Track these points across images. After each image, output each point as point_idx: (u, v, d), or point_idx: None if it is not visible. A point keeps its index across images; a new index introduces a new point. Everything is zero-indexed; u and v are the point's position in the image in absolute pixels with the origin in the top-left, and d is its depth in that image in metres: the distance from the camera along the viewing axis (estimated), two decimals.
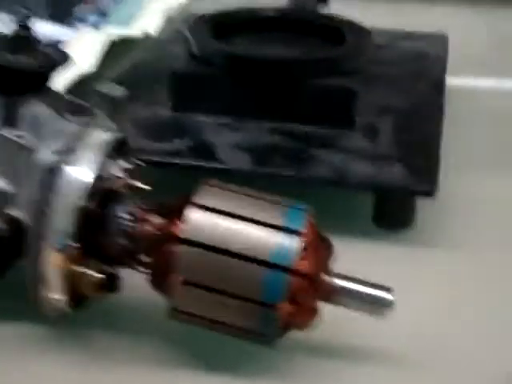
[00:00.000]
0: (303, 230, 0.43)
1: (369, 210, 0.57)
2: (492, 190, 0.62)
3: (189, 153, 0.57)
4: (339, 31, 0.65)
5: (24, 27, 0.48)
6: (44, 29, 0.74)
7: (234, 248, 0.42)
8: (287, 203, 0.44)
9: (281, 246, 0.42)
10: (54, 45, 0.51)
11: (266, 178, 0.54)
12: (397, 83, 0.67)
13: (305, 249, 0.43)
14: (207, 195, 0.44)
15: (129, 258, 0.45)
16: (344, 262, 0.44)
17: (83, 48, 0.71)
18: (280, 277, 0.42)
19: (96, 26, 0.82)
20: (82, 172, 0.43)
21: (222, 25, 0.65)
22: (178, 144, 0.58)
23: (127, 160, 0.46)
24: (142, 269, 0.45)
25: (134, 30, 0.78)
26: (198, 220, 0.43)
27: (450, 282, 0.53)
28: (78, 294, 0.45)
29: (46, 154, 0.43)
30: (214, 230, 0.43)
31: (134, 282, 0.46)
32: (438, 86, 0.67)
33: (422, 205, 0.56)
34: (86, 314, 0.47)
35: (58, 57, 0.49)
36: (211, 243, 0.42)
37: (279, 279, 0.42)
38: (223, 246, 0.42)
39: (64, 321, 0.46)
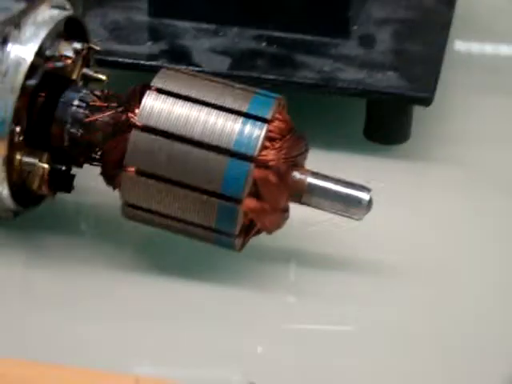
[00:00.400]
0: (269, 117, 0.42)
1: (361, 122, 0.56)
2: (495, 109, 0.62)
3: (162, 55, 0.56)
4: None
5: None
6: None
7: (192, 135, 0.41)
8: (255, 90, 0.43)
9: (243, 133, 0.41)
10: None
11: (244, 82, 0.51)
12: None
13: (271, 138, 0.42)
14: (166, 79, 0.43)
15: (81, 150, 0.44)
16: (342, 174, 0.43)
17: None
18: (242, 166, 0.41)
19: None
20: (24, 49, 0.42)
21: None
22: (151, 47, 0.58)
23: (81, 42, 0.45)
24: (95, 163, 0.44)
25: None
26: (154, 104, 0.42)
27: (442, 201, 0.52)
28: (25, 190, 0.44)
29: None
30: (170, 114, 0.42)
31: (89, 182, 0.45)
32: (445, 1, 0.65)
33: (419, 118, 0.55)
34: (34, 214, 0.46)
35: None
36: (167, 129, 0.42)
37: (241, 169, 0.41)
38: (181, 133, 0.41)
39: (14, 223, 0.46)
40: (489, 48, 0.72)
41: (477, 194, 0.52)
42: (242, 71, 0.55)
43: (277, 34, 0.59)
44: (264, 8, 0.59)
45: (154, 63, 0.55)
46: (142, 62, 0.56)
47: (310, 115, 0.56)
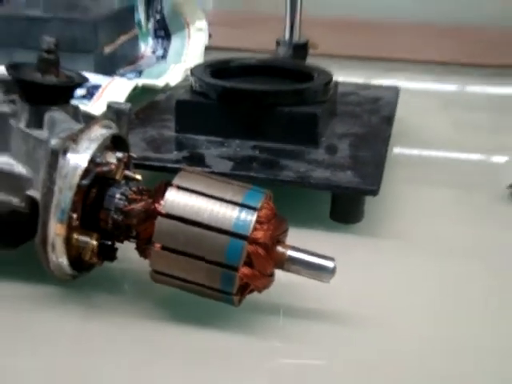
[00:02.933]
0: (259, 206, 0.39)
1: (327, 208, 0.54)
2: (426, 195, 0.60)
3: (183, 160, 0.54)
4: (309, 74, 0.61)
5: (49, 51, 0.45)
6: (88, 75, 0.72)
7: (202, 220, 0.39)
8: (249, 186, 0.41)
9: (238, 218, 0.39)
10: (76, 71, 0.49)
11: (243, 180, 0.49)
12: (357, 117, 0.64)
13: (260, 222, 0.39)
14: (184, 178, 0.41)
15: (122, 231, 0.42)
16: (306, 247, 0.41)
17: (114, 90, 0.68)
18: (239, 243, 0.38)
19: (131, 80, 0.80)
20: (79, 157, 0.40)
21: (217, 69, 0.62)
22: (176, 155, 0.56)
23: (123, 152, 0.43)
24: (131, 240, 0.42)
25: (160, 82, 0.76)
26: (174, 197, 0.40)
27: (389, 263, 0.50)
28: (80, 260, 0.42)
29: (53, 141, 0.40)
30: (186, 205, 0.39)
31: (128, 252, 0.42)
32: (387, 120, 0.64)
33: (371, 204, 0.53)
34: (88, 278, 0.43)
35: (77, 78, 0.46)
36: (184, 216, 0.39)
37: (238, 245, 0.38)
38: (194, 218, 0.39)
39: (71, 283, 0.43)
40: (417, 152, 0.71)
41: (415, 259, 0.50)
42: (241, 172, 0.53)
43: (267, 144, 0.58)
44: (258, 126, 0.58)
45: (177, 166, 0.53)
46: (168, 165, 0.54)
47: (290, 203, 0.53)
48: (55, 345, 0.39)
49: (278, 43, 0.70)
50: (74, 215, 0.40)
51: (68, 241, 0.40)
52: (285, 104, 0.57)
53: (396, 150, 0.66)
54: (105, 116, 0.46)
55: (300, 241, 0.41)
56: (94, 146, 0.40)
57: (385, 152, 0.57)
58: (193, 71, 0.61)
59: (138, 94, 0.69)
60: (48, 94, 0.44)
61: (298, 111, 0.56)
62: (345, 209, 0.52)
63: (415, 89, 0.90)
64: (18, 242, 0.43)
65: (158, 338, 0.40)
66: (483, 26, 1.23)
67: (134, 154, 0.44)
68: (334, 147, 0.57)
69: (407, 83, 0.87)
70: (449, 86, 0.96)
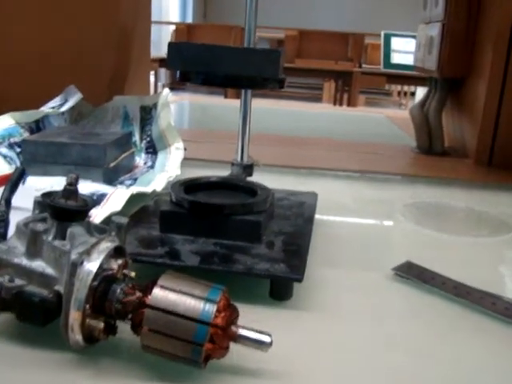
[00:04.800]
0: (218, 300, 0.40)
1: (267, 289, 0.54)
2: (344, 277, 0.61)
3: (165, 255, 0.54)
4: (254, 190, 0.63)
5: (71, 184, 0.46)
6: (95, 187, 0.73)
7: (178, 311, 0.40)
8: (211, 284, 0.42)
9: (204, 309, 0.40)
10: (90, 196, 0.50)
11: (207, 271, 0.50)
12: (287, 218, 0.66)
13: (219, 311, 0.40)
14: (166, 279, 0.42)
15: (121, 315, 0.42)
16: (250, 320, 0.42)
17: (116, 198, 0.69)
18: (204, 328, 0.39)
19: (128, 186, 0.81)
20: (91, 265, 0.40)
21: (189, 185, 0.63)
22: (159, 250, 0.56)
23: (121, 258, 0.44)
24: (128, 321, 0.42)
25: (149, 188, 0.77)
26: (158, 293, 0.41)
27: (313, 331, 0.50)
28: (91, 336, 0.42)
29: (73, 255, 0.40)
30: (167, 299, 0.40)
31: (126, 329, 0.42)
32: (309, 220, 0.66)
33: (299, 286, 0.54)
34: (97, 348, 0.43)
35: (91, 202, 0.47)
36: (166, 308, 0.40)
37: (204, 329, 0.39)
38: (172, 309, 0.40)
39: (84, 351, 0.43)
40: (333, 238, 0.71)
41: (333, 325, 0.50)
42: (206, 265, 0.53)
43: (225, 242, 0.58)
44: (218, 229, 0.59)
45: (160, 260, 0.53)
46: (154, 260, 0.54)
47: (241, 286, 0.55)
48: None
49: (232, 164, 0.72)
50: (87, 306, 0.40)
51: (83, 323, 0.41)
52: (237, 213, 0.58)
53: (315, 243, 0.67)
54: (109, 229, 0.47)
55: (247, 315, 0.42)
56: (101, 257, 0.41)
57: (307, 246, 0.58)
58: (172, 188, 0.62)
59: (132, 198, 0.70)
60: (69, 215, 0.45)
61: (247, 219, 0.58)
62: (280, 290, 0.53)
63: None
64: (45, 322, 0.43)
65: None
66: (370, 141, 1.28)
67: (129, 260, 0.44)
68: (271, 243, 0.58)
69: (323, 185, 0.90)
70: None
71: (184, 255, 0.55)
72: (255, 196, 0.62)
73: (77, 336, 0.41)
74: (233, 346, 0.41)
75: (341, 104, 4.47)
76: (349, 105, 4.15)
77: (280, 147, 1.25)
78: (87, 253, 0.41)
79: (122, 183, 0.83)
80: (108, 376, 0.42)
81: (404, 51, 3.91)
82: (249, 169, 0.74)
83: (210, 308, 0.40)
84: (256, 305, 0.52)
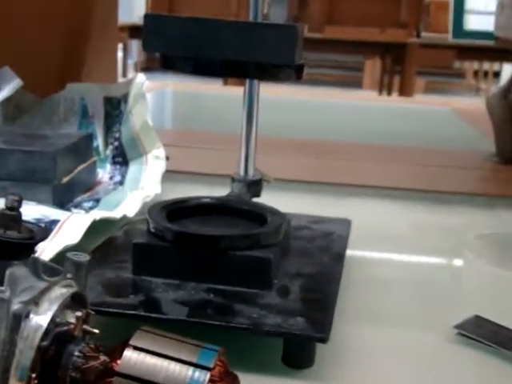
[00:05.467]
0: (211, 365, 0.43)
1: (279, 353, 0.57)
2: (387, 338, 0.63)
3: (139, 306, 0.57)
4: (263, 216, 0.66)
5: (12, 209, 0.49)
6: (42, 210, 0.76)
7: (158, 380, 0.42)
8: (202, 344, 0.44)
9: (192, 378, 0.42)
10: (36, 223, 0.53)
11: (197, 326, 0.53)
12: (308, 255, 0.68)
13: (213, 381, 0.42)
14: (140, 338, 0.44)
15: None
16: None
17: (71, 225, 0.72)
18: None
19: (88, 210, 0.83)
20: (40, 319, 0.43)
21: (173, 209, 0.66)
22: (132, 299, 0.58)
23: (81, 309, 0.46)
24: None
25: (117, 213, 0.80)
26: (131, 357, 0.43)
27: None
28: None
29: (15, 305, 0.43)
30: (142, 365, 0.43)
31: None
32: (339, 258, 0.68)
33: (323, 349, 0.56)
34: None
35: (38, 232, 0.50)
36: (140, 376, 0.42)
37: None
38: (149, 378, 0.42)
39: None
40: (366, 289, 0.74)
41: None
42: (196, 319, 0.56)
43: (221, 287, 0.61)
44: (212, 269, 0.62)
45: (133, 312, 0.56)
46: (125, 311, 0.57)
47: (244, 346, 0.57)
48: None
49: (233, 179, 0.74)
50: (33, 374, 0.43)
51: None
52: (238, 248, 0.60)
53: (347, 290, 0.69)
54: (64, 270, 0.49)
55: None
56: (54, 307, 0.44)
57: (335, 295, 0.61)
58: (149, 212, 0.65)
59: (95, 226, 0.72)
60: (10, 250, 0.48)
61: (252, 255, 0.60)
62: (296, 354, 0.55)
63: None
64: None
65: None
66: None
67: (91, 312, 0.47)
68: (285, 289, 0.60)
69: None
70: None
71: (166, 305, 0.57)
72: (264, 224, 0.65)
73: None
74: None
75: (389, 91, 4.50)
76: (401, 92, 4.17)
77: (300, 156, 1.27)
78: (34, 302, 0.43)
79: (78, 206, 0.86)
80: None
81: (485, 12, 3.85)
82: (255, 186, 0.77)
83: (201, 376, 0.42)
84: (264, 374, 0.55)
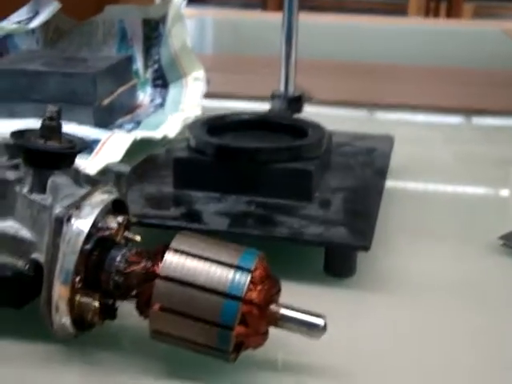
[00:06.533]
0: (252, 267, 0.43)
1: (320, 262, 0.57)
2: (429, 248, 0.63)
3: (181, 217, 0.58)
4: (304, 130, 0.65)
5: (51, 119, 0.49)
6: (84, 130, 0.77)
7: (199, 282, 0.43)
8: (243, 248, 0.45)
9: (233, 280, 0.42)
10: (76, 136, 0.53)
11: (238, 237, 0.53)
12: (350, 170, 0.68)
13: (254, 283, 0.43)
14: (181, 241, 0.44)
15: (122, 291, 0.45)
16: (296, 302, 0.44)
17: (112, 144, 0.72)
18: (234, 304, 0.42)
19: (129, 131, 0.84)
20: (82, 223, 0.44)
21: (214, 125, 0.66)
22: (173, 211, 0.59)
23: (122, 216, 0.47)
24: (132, 300, 0.45)
25: (158, 133, 0.80)
26: (172, 260, 0.43)
27: (383, 319, 0.52)
28: (83, 320, 0.45)
29: (58, 209, 0.44)
30: (183, 267, 0.43)
31: (128, 310, 0.46)
32: (381, 173, 0.68)
33: (364, 258, 0.56)
34: (90, 336, 0.47)
35: (79, 144, 0.51)
36: (181, 278, 0.43)
37: (234, 306, 0.42)
38: (191, 280, 0.43)
39: (73, 341, 0.46)
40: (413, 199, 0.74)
41: (406, 314, 0.53)
42: (237, 229, 0.56)
43: (262, 199, 0.61)
44: (253, 182, 0.62)
45: (175, 223, 0.57)
46: (166, 223, 0.57)
47: (285, 257, 0.58)
48: None
49: (272, 96, 0.74)
50: (77, 278, 0.44)
51: (71, 302, 0.44)
52: (279, 160, 0.60)
53: (389, 202, 0.69)
54: (105, 180, 0.50)
55: (294, 295, 0.44)
56: (95, 212, 0.44)
57: (377, 206, 0.61)
58: (190, 128, 0.65)
59: (136, 146, 0.73)
60: (51, 159, 0.48)
61: (292, 168, 0.60)
62: (338, 263, 0.56)
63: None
64: (22, 303, 0.46)
65: None
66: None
67: (133, 219, 0.47)
68: (327, 202, 0.60)
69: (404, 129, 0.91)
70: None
71: (206, 217, 0.58)
72: (304, 137, 0.65)
73: (63, 319, 0.44)
74: (273, 331, 0.44)
75: (436, 17, 4.38)
76: (448, 18, 4.07)
77: (344, 78, 1.26)
78: (76, 207, 0.44)
79: (120, 127, 0.86)
80: (104, 373, 0.45)
81: None
82: (296, 103, 0.76)
83: (243, 278, 0.42)
84: (305, 283, 0.55)
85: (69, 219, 0.43)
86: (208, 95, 0.94)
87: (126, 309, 0.46)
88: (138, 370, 0.45)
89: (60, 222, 0.43)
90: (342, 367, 0.46)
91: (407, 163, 0.81)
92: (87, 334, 0.46)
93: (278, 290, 0.45)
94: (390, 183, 0.69)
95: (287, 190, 0.61)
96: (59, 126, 0.49)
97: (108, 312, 0.46)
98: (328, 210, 0.59)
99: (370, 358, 0.47)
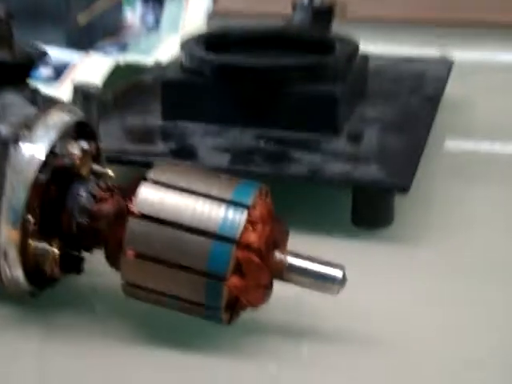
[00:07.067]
0: (251, 203, 0.43)
1: (348, 209, 0.57)
2: (467, 193, 0.63)
3: (170, 154, 0.58)
4: (330, 45, 0.65)
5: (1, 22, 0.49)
6: (54, 53, 0.77)
7: (181, 220, 0.43)
8: (239, 180, 0.45)
9: (226, 218, 0.42)
10: (33, 45, 0.54)
11: (241, 176, 0.53)
12: (393, 97, 0.68)
13: (252, 222, 0.43)
14: (161, 171, 0.45)
15: (88, 236, 0.46)
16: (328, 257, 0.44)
17: (87, 68, 0.73)
18: (226, 248, 0.42)
19: (111, 55, 0.84)
20: (35, 148, 0.44)
21: (213, 40, 0.66)
22: (161, 147, 0.60)
23: (89, 142, 0.47)
24: (100, 247, 0.46)
25: (148, 58, 0.80)
26: (149, 194, 0.44)
27: (426, 279, 0.52)
28: (41, 273, 0.46)
29: (3, 128, 0.44)
30: (164, 203, 0.43)
31: (96, 264, 0.47)
32: (431, 102, 0.68)
33: (403, 204, 0.57)
34: (50, 295, 0.48)
35: (35, 54, 0.51)
36: (160, 216, 0.43)
37: (226, 250, 0.42)
38: (171, 219, 0.43)
39: (30, 302, 0.47)
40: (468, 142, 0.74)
41: (456, 276, 0.52)
42: (240, 166, 0.57)
43: (274, 133, 0.61)
44: (263, 111, 0.62)
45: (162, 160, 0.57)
46: (152, 159, 0.56)
47: (302, 204, 0.58)
48: (8, 373, 0.43)
49: (293, 7, 0.73)
50: (31, 218, 0.44)
51: (24, 249, 0.44)
52: (296, 82, 0.60)
53: (440, 139, 0.69)
54: (70, 100, 0.50)
55: (311, 251, 0.44)
56: (52, 134, 0.45)
57: (424, 141, 0.60)
58: (183, 44, 0.65)
59: (120, 74, 0.73)
60: (1, 72, 0.48)
61: (313, 91, 0.60)
62: (368, 209, 0.56)
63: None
64: None
65: (130, 365, 0.44)
66: None
67: (102, 146, 0.47)
68: (358, 135, 0.60)
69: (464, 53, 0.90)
70: None
71: (203, 153, 0.58)
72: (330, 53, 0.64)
73: (14, 270, 0.45)
74: (279, 287, 0.44)
75: None
76: None
77: None
78: (26, 126, 0.44)
79: (100, 50, 0.86)
80: (68, 341, 0.46)
81: None
82: (323, 16, 0.75)
83: (237, 216, 0.43)
84: (326, 236, 0.55)
85: (16, 141, 0.44)
86: (214, 13, 0.93)
87: (98, 263, 0.46)
88: (108, 336, 0.46)
89: (6, 145, 0.44)
90: (360, 336, 0.46)
91: (469, 93, 0.80)
92: (48, 293, 0.47)
93: (285, 234, 0.45)
94: (443, 115, 0.68)
95: (307, 120, 0.61)
96: (10, 32, 0.50)
97: (72, 264, 0.47)
98: (359, 144, 0.60)
99: (396, 325, 0.47)
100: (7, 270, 0.45)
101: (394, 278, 0.52)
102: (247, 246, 0.42)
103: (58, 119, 0.46)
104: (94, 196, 0.46)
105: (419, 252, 0.55)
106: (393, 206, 0.56)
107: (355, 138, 0.60)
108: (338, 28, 0.75)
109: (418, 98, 0.68)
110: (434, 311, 0.48)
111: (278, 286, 0.44)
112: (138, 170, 0.54)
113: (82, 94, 0.50)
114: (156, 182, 0.44)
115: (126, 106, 0.64)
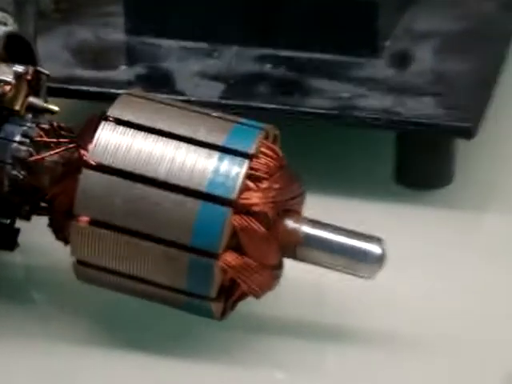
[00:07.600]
0: (252, 151, 0.44)
1: (390, 163, 0.58)
2: None
3: (138, 82, 0.59)
4: None
5: None
6: None
7: (155, 174, 0.43)
8: (237, 119, 0.46)
9: (218, 171, 0.43)
10: None
11: (239, 113, 0.51)
12: (454, 2, 0.69)
13: (255, 178, 0.44)
14: (126, 107, 0.46)
15: (25, 196, 0.47)
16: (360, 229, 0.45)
17: None
18: (217, 211, 0.43)
19: None
20: None
21: None
22: (124, 71, 0.61)
23: (25, 66, 0.48)
24: (43, 213, 0.47)
25: None
26: (110, 138, 0.44)
27: (483, 263, 0.54)
28: None
29: None
30: (130, 150, 0.44)
31: (37, 236, 0.48)
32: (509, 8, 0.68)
33: (463, 156, 0.58)
34: None
35: None
36: (125, 167, 0.44)
37: (216, 215, 0.43)
38: (141, 172, 0.44)
39: None
40: None
41: None
42: (239, 100, 0.57)
43: (286, 53, 0.62)
44: (270, 23, 0.63)
45: (124, 92, 0.57)
46: (111, 90, 0.58)
47: (324, 154, 0.60)
48: None
49: None
50: None
51: None
52: None
53: None
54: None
55: (341, 216, 0.46)
56: None
57: (497, 67, 0.61)
58: None
59: None
60: None
61: None
62: (417, 164, 0.57)
63: None
64: None
65: (81, 375, 0.45)
66: None
67: (44, 70, 0.49)
68: (405, 56, 0.61)
69: None
70: None
71: (182, 82, 0.59)
72: None
73: None
74: (291, 268, 0.46)
75: None
76: None
77: None
78: None
79: None
80: (7, 343, 0.47)
81: None
82: None
83: (234, 168, 0.44)
84: (358, 197, 0.56)
85: None
86: None
87: (38, 234, 0.47)
88: (51, 336, 0.48)
89: None
90: (398, 334, 0.47)
91: None
92: None
93: (300, 195, 0.46)
94: None
95: (332, 36, 0.61)
96: None
97: (3, 236, 0.48)
98: (406, 69, 0.60)
99: (444, 322, 0.48)
100: None
101: (450, 256, 0.53)
102: (247, 211, 0.43)
103: None
104: (32, 140, 0.47)
105: (485, 222, 0.57)
106: (453, 158, 0.57)
107: (401, 61, 0.61)
108: None
109: (492, 3, 0.68)
110: (504, 304, 0.50)
111: (290, 267, 0.45)
112: (93, 105, 0.56)
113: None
114: (119, 122, 0.45)
115: (74, 16, 0.64)
